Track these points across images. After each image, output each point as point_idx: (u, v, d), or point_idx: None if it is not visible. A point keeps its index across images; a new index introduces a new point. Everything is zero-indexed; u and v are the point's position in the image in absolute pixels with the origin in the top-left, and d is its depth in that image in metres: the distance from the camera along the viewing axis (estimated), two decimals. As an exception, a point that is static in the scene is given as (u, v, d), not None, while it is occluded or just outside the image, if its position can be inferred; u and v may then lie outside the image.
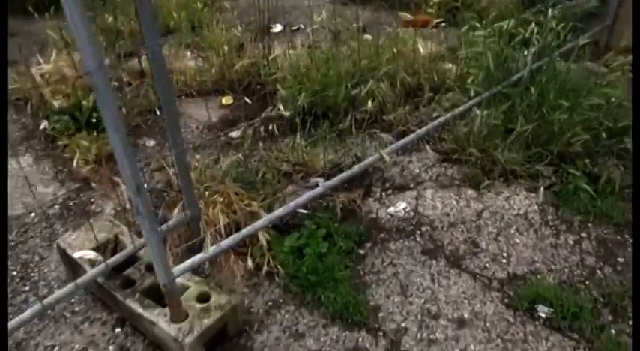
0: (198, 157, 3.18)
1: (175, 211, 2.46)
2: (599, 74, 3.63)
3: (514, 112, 3.10)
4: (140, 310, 2.08)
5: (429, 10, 3.75)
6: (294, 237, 2.50)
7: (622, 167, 2.88)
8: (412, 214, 2.73)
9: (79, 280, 2.08)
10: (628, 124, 2.93)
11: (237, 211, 2.51)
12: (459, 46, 3.85)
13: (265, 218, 2.24)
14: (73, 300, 2.33)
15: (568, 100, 3.02)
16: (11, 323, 1.91)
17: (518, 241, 2.56)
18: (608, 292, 2.28)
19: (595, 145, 2.96)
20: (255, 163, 2.94)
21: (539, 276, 2.38)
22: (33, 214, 2.82)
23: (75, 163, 2.97)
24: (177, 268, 1.96)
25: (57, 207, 2.86)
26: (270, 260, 2.41)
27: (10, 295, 2.35)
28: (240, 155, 2.81)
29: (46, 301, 1.98)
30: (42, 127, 3.41)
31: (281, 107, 2.86)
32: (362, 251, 2.54)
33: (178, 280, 2.04)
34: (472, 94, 3.16)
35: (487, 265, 2.44)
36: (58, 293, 2.04)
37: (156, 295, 2.14)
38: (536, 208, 2.75)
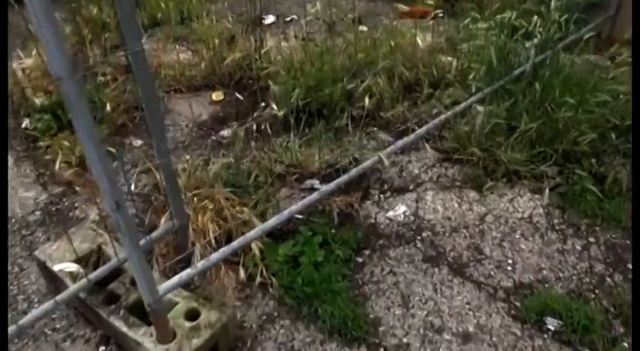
0: (187, 157, 3.01)
1: (163, 219, 2.30)
2: (603, 68, 3.49)
3: (517, 108, 2.94)
4: (125, 329, 1.93)
5: (428, 1, 3.56)
6: (289, 245, 2.35)
7: (629, 167, 2.73)
8: (412, 218, 2.59)
9: (59, 297, 1.92)
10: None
11: (228, 218, 2.35)
12: (458, 39, 3.69)
13: (258, 229, 2.08)
14: (54, 315, 2.17)
15: (573, 96, 2.87)
16: (-16, 347, 1.75)
17: (523, 246, 2.42)
18: (619, 303, 2.15)
19: (602, 144, 2.82)
20: (247, 164, 2.78)
21: (546, 285, 2.24)
22: (13, 221, 2.65)
23: (57, 166, 2.79)
24: (163, 287, 1.81)
25: (38, 213, 2.68)
26: (264, 271, 2.26)
27: (-13, 311, 2.19)
28: (231, 158, 2.63)
29: (22, 321, 1.83)
30: (23, 125, 3.23)
31: (274, 107, 2.69)
32: (360, 259, 2.39)
33: (168, 286, 1.89)
34: (473, 90, 3.01)
35: (492, 273, 2.30)
36: (35, 312, 1.89)
37: (142, 312, 1.97)
38: (541, 210, 2.61)
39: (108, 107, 3.06)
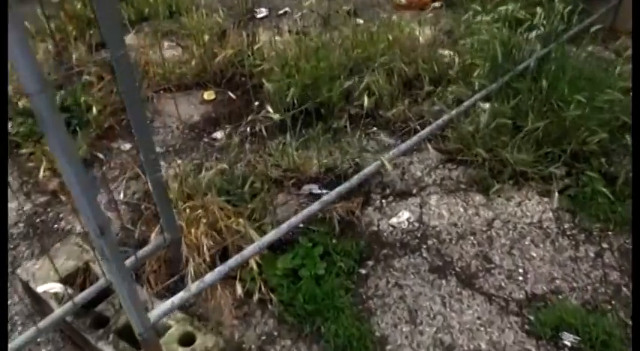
0: (179, 161, 2.84)
1: (153, 234, 2.14)
2: (609, 61, 3.34)
3: (522, 106, 2.79)
4: (114, 356, 1.78)
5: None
6: (289, 258, 2.20)
7: (641, 166, 2.60)
8: (417, 224, 2.44)
9: (42, 324, 1.76)
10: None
11: (223, 230, 2.20)
12: (459, 33, 3.52)
13: (255, 244, 1.93)
14: (39, 339, 2.01)
15: (580, 92, 2.73)
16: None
17: (534, 254, 2.28)
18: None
19: (611, 143, 2.68)
20: (242, 168, 2.62)
21: (560, 296, 2.11)
22: (-5, 233, 2.47)
23: (41, 174, 2.61)
24: (154, 314, 1.65)
25: (21, 225, 2.51)
26: (262, 286, 2.11)
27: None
28: (225, 164, 2.47)
29: (2, 353, 1.66)
30: (5, 129, 3.04)
31: (270, 109, 2.52)
32: (364, 271, 2.24)
33: (160, 312, 1.74)
34: (476, 87, 2.85)
35: (502, 284, 2.17)
36: (17, 340, 1.73)
37: (132, 336, 1.81)
38: (550, 214, 2.47)
39: (94, 110, 2.87)
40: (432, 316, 2.06)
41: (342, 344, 1.93)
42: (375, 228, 2.43)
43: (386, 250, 2.32)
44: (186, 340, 1.81)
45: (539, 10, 2.95)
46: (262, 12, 4.30)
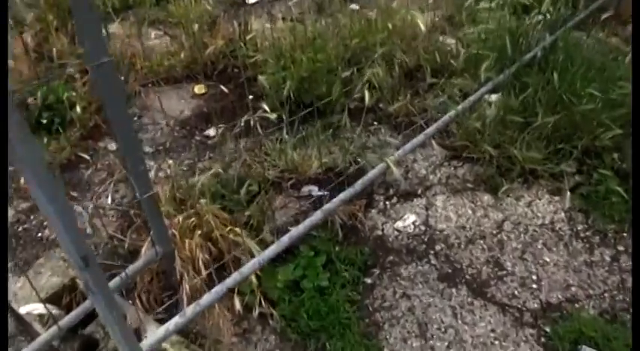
0: (170, 162, 2.67)
1: (144, 248, 1.98)
2: (616, 49, 3.19)
3: (531, 100, 2.64)
4: (105, 385, 1.64)
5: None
6: (290, 269, 2.05)
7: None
8: (423, 228, 2.30)
9: (26, 352, 1.61)
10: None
11: (218, 240, 2.04)
12: (460, 19, 3.34)
13: (255, 260, 1.77)
14: (24, 363, 1.86)
15: (591, 84, 2.58)
16: None
17: (547, 259, 2.15)
18: (659, 325, 1.90)
19: (624, 138, 2.53)
20: (237, 169, 2.45)
21: (577, 305, 1.99)
22: (-25, 244, 2.30)
23: (23, 179, 2.42)
24: (147, 343, 1.51)
25: (3, 234, 2.33)
26: (262, 300, 1.97)
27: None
28: (219, 167, 2.30)
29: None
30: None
31: (265, 107, 2.35)
32: (369, 280, 2.10)
33: (153, 341, 1.59)
34: (482, 79, 2.68)
35: (516, 292, 2.04)
36: (-2, 371, 1.58)
37: (125, 361, 1.69)
38: (562, 215, 2.34)
39: (77, 108, 2.68)
40: (442, 329, 1.93)
41: (350, 363, 1.80)
42: (380, 232, 2.29)
43: (392, 257, 2.18)
44: (183, 365, 1.67)
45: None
46: (253, -2, 4.07)
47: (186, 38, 3.33)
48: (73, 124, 2.75)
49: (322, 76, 2.85)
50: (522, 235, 2.25)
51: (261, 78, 2.80)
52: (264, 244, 2.04)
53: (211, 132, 2.84)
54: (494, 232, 2.27)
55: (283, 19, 3.52)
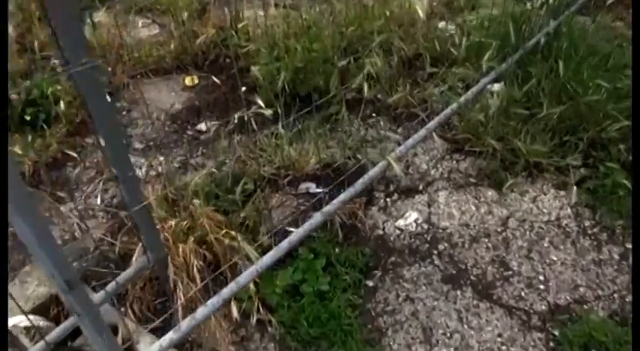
0: (161, 158, 2.56)
1: (135, 255, 1.87)
2: (620, 34, 3.08)
3: (534, 90, 2.54)
4: (97, 404, 1.55)
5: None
6: (288, 273, 1.96)
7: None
8: (425, 226, 2.21)
9: (11, 371, 1.52)
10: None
11: (213, 243, 1.94)
12: (458, 3, 3.22)
13: (253, 268, 1.68)
14: (12, 377, 1.77)
15: (596, 72, 2.48)
16: None
17: (554, 258, 2.08)
18: (671, 327, 1.83)
19: (631, 130, 2.44)
20: (231, 166, 2.34)
21: (585, 306, 1.91)
22: (-42, 249, 2.19)
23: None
24: (139, 362, 1.42)
25: (-13, 239, 2.23)
26: (260, 307, 1.88)
27: None
28: (213, 165, 2.19)
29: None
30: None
31: (259, 102, 2.23)
32: (371, 283, 2.02)
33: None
34: (485, 68, 2.57)
35: (522, 293, 1.96)
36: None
37: (117, 376, 1.60)
38: (569, 211, 2.25)
39: (62, 104, 2.55)
40: (448, 334, 1.85)
41: (353, 373, 1.73)
42: (381, 231, 2.20)
43: (394, 258, 2.10)
44: (179, 381, 1.59)
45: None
46: (245, -17, 3.91)
47: (175, 27, 3.19)
48: (58, 120, 2.62)
49: (318, 66, 2.73)
50: (528, 233, 2.17)
51: (254, 69, 2.68)
52: (261, 248, 1.95)
53: (203, 126, 2.72)
54: (499, 229, 2.19)
55: (276, 5, 3.38)
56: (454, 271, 2.04)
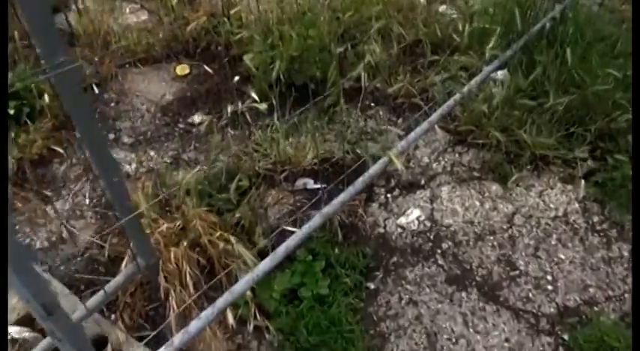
0: (152, 153, 2.43)
1: (124, 262, 1.77)
2: (627, 17, 2.94)
3: (540, 78, 2.42)
4: None
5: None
6: (286, 276, 1.86)
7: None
8: (428, 224, 2.11)
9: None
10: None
11: (207, 246, 1.84)
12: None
13: (248, 277, 1.57)
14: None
15: (602, 58, 2.36)
16: None
17: (562, 256, 1.98)
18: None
19: None
20: (226, 162, 2.23)
21: (596, 308, 1.83)
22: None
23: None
24: (129, 383, 1.32)
25: (-30, 242, 2.11)
26: (257, 313, 1.78)
27: None
28: (205, 163, 2.08)
29: None
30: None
31: (254, 95, 2.11)
32: (372, 285, 1.92)
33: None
34: (488, 56, 2.44)
35: (530, 295, 1.87)
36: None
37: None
38: (577, 205, 2.16)
39: (46, 97, 2.41)
40: (453, 339, 1.76)
41: (355, 383, 1.64)
42: (382, 230, 2.10)
43: (396, 258, 2.00)
44: (172, 397, 1.49)
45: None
46: (237, -35, 3.73)
47: (164, 13, 3.03)
48: (43, 114, 2.48)
49: (314, 54, 2.59)
50: (534, 230, 2.07)
51: (246, 59, 2.54)
52: (257, 249, 1.85)
53: (196, 119, 2.59)
54: (505, 226, 2.09)
55: (270, -11, 3.21)
56: (459, 272, 1.95)
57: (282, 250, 1.63)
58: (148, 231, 1.77)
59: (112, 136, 2.54)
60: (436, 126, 2.43)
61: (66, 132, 2.51)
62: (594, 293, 1.87)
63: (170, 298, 1.69)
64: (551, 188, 2.22)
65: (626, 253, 1.99)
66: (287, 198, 2.21)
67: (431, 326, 1.79)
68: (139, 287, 1.87)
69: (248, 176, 2.20)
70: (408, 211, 2.15)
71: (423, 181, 2.28)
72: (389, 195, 2.22)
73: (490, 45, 2.31)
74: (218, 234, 1.85)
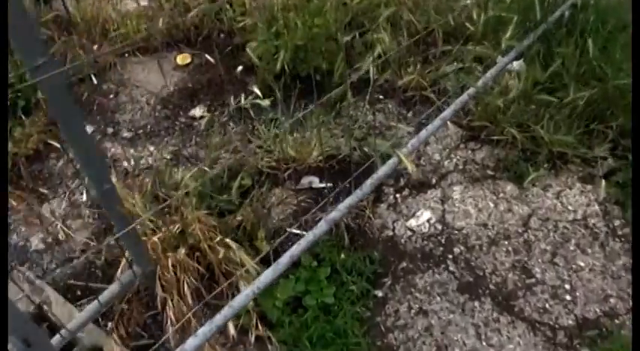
0: (152, 148, 2.32)
1: (120, 269, 1.66)
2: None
3: (558, 70, 2.26)
4: None
5: None
6: (290, 284, 1.75)
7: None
8: (439, 227, 1.99)
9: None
10: None
11: (206, 252, 1.73)
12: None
13: (249, 290, 1.46)
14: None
15: (628, 50, 2.20)
16: None
17: (581, 263, 1.86)
18: None
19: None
20: (227, 159, 2.11)
21: (617, 321, 1.71)
22: None
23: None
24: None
25: (-37, 242, 2.02)
26: (259, 323, 1.68)
27: None
28: (207, 162, 1.95)
29: None
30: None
31: (257, 91, 1.97)
32: (380, 293, 1.81)
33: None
34: (504, 47, 2.28)
35: (547, 305, 1.76)
36: None
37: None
38: (597, 208, 2.02)
39: (39, 92, 2.29)
40: (465, 353, 1.66)
41: (361, 400, 1.54)
42: (390, 233, 1.98)
43: (405, 264, 1.88)
44: None
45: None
46: (240, -53, 3.54)
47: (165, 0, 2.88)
48: (39, 107, 2.37)
49: (320, 44, 2.44)
50: (552, 234, 1.95)
51: (249, 49, 2.39)
52: (258, 254, 1.74)
53: (197, 112, 2.46)
54: (520, 230, 1.96)
55: (274, -27, 3.04)
56: (471, 279, 1.83)
57: (285, 259, 1.52)
58: (144, 236, 1.67)
59: (110, 129, 2.42)
60: (448, 121, 2.30)
61: (62, 126, 2.39)
62: (615, 304, 1.75)
63: (167, 308, 1.59)
64: (570, 189, 2.09)
65: (648, 260, 1.86)
66: (291, 198, 2.09)
67: (442, 338, 1.69)
68: (135, 294, 1.77)
69: (250, 175, 2.09)
70: (418, 213, 2.02)
71: (433, 180, 2.15)
72: (398, 195, 2.10)
73: (506, 34, 2.15)
74: (218, 239, 1.74)
